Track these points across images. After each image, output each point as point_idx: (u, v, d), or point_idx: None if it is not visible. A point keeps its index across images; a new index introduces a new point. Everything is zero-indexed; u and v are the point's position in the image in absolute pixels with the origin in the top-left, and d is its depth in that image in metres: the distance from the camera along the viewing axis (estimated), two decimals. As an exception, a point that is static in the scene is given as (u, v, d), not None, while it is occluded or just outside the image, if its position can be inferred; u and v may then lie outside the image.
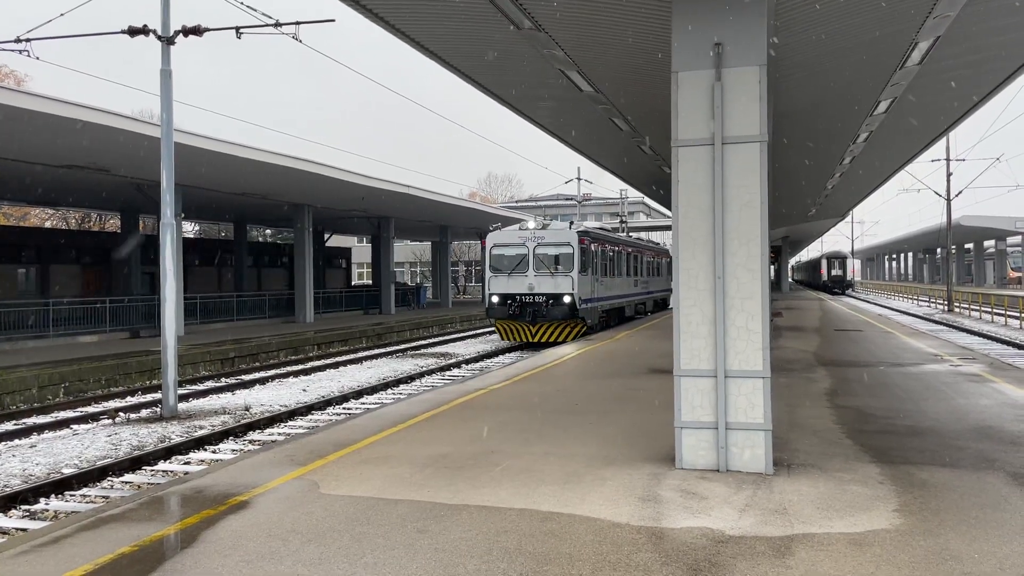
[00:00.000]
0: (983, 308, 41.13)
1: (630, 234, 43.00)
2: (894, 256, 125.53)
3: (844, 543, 5.53)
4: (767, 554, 5.34)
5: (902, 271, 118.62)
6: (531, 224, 25.48)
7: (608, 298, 28.72)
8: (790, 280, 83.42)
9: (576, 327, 24.98)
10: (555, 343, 24.54)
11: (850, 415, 10.26)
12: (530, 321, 24.65)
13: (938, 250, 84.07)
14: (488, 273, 25.32)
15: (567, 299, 24.27)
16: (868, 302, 62.01)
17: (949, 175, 45.05)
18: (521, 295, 24.70)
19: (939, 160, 45.23)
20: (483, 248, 25.83)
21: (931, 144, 23.10)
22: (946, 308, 46.76)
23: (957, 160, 44.92)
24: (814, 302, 45.66)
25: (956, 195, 45.76)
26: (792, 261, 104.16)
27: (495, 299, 25.06)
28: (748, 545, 5.51)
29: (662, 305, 43.66)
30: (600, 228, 30.72)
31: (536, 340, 25.08)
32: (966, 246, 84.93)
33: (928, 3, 9.78)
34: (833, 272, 77.13)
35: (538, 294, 24.54)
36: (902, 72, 13.03)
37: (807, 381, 13.40)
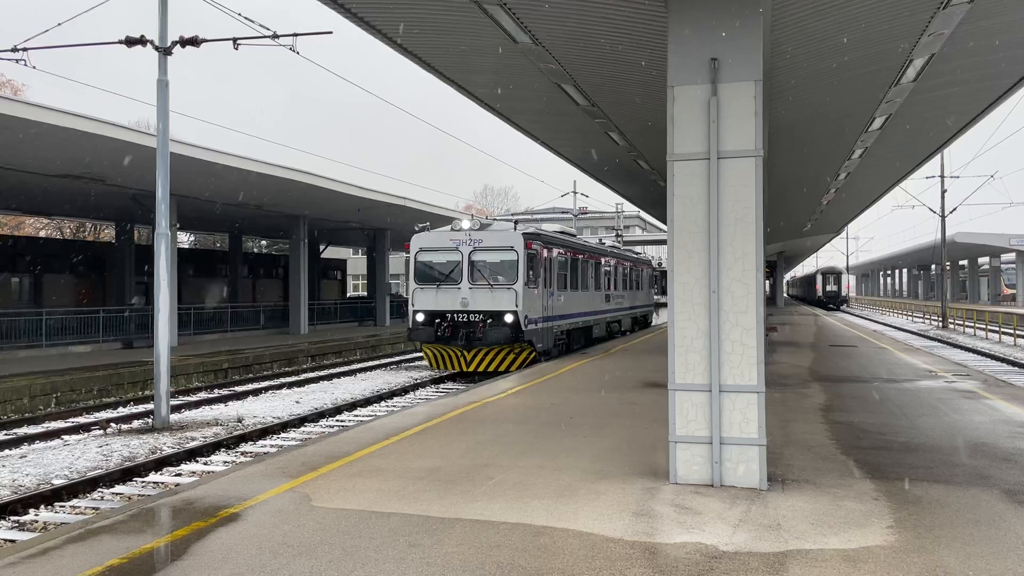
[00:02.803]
0: (977, 325, 41.22)
1: (603, 241, 35.60)
2: (889, 272, 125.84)
3: (838, 559, 5.50)
4: (761, 570, 5.31)
5: (897, 287, 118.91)
6: (466, 224, 20.33)
7: (568, 316, 23.78)
8: (785, 295, 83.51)
9: (523, 353, 20.06)
10: (496, 373, 19.62)
11: (845, 431, 10.24)
12: (464, 345, 19.67)
13: (933, 266, 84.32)
14: (412, 284, 20.48)
15: (509, 318, 19.33)
16: (863, 318, 62.11)
17: (944, 192, 45.25)
18: (453, 313, 19.79)
19: (934, 177, 45.52)
20: (407, 253, 21.20)
21: (926, 161, 23.23)
22: (940, 324, 46.85)
23: (952, 177, 45.15)
24: (809, 317, 45.71)
25: (951, 212, 45.97)
26: (787, 276, 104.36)
27: (420, 317, 20.09)
28: (742, 561, 5.48)
29: (643, 323, 38.66)
30: (562, 232, 25.02)
31: (472, 369, 20.10)
32: (961, 263, 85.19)
33: (923, 21, 9.85)
34: (828, 288, 77.30)
35: (474, 312, 19.65)
36: (897, 89, 13.10)
37: (802, 396, 13.38)
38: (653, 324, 41.54)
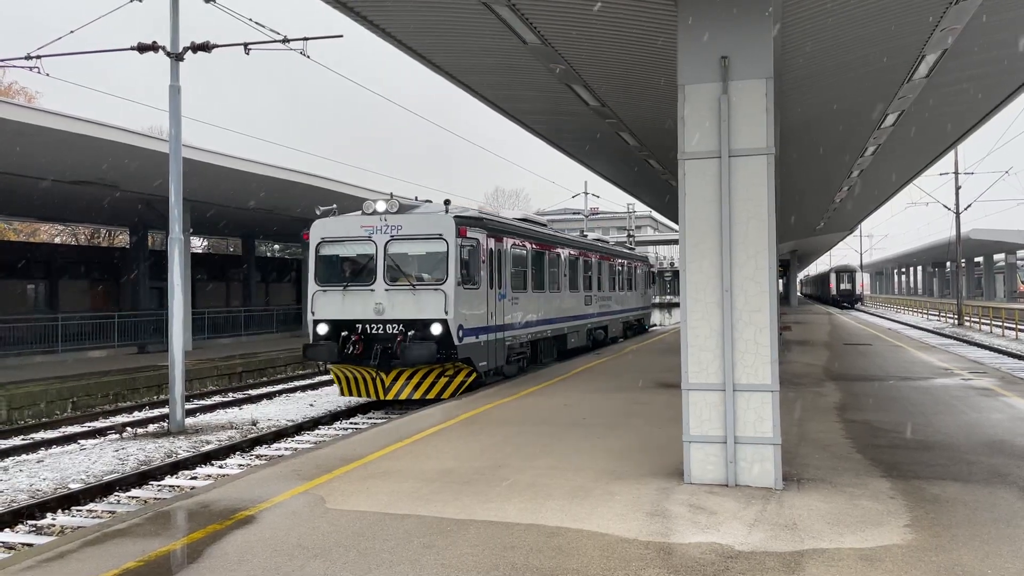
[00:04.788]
0: (993, 322, 40.90)
1: (585, 234, 29.69)
2: (903, 270, 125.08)
3: (855, 559, 5.46)
4: (777, 570, 5.28)
5: (912, 285, 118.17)
6: (381, 205, 15.49)
7: (531, 324, 18.98)
8: (799, 294, 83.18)
9: (458, 375, 15.41)
10: (424, 401, 15.28)
11: (860, 429, 10.17)
12: (379, 365, 14.80)
13: (948, 264, 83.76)
14: (312, 286, 15.65)
15: (436, 328, 14.64)
16: (877, 316, 61.75)
17: (958, 188, 44.96)
18: (365, 323, 15.07)
19: (948, 173, 45.22)
20: (308, 245, 16.22)
21: (939, 157, 23.07)
22: (956, 322, 46.51)
23: (966, 173, 44.88)
24: (823, 316, 45.48)
25: (965, 208, 45.65)
26: (801, 275, 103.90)
27: (322, 329, 15.34)
28: (758, 561, 5.45)
29: (638, 328, 33.74)
30: (523, 220, 20.53)
31: (392, 397, 15.43)
32: (976, 259, 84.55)
33: (935, 16, 9.78)
34: (842, 286, 76.89)
35: (391, 321, 14.93)
36: (909, 85, 13.02)
37: (816, 395, 13.31)
38: (656, 327, 40.36)
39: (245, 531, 6.33)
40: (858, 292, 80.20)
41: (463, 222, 15.34)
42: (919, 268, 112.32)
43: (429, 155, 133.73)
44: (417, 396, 15.25)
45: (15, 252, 34.06)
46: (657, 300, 58.82)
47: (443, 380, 15.31)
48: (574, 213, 70.62)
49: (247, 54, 15.69)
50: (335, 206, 16.46)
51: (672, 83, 7.89)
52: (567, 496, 7.14)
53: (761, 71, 7.31)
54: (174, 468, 11.64)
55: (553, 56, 11.24)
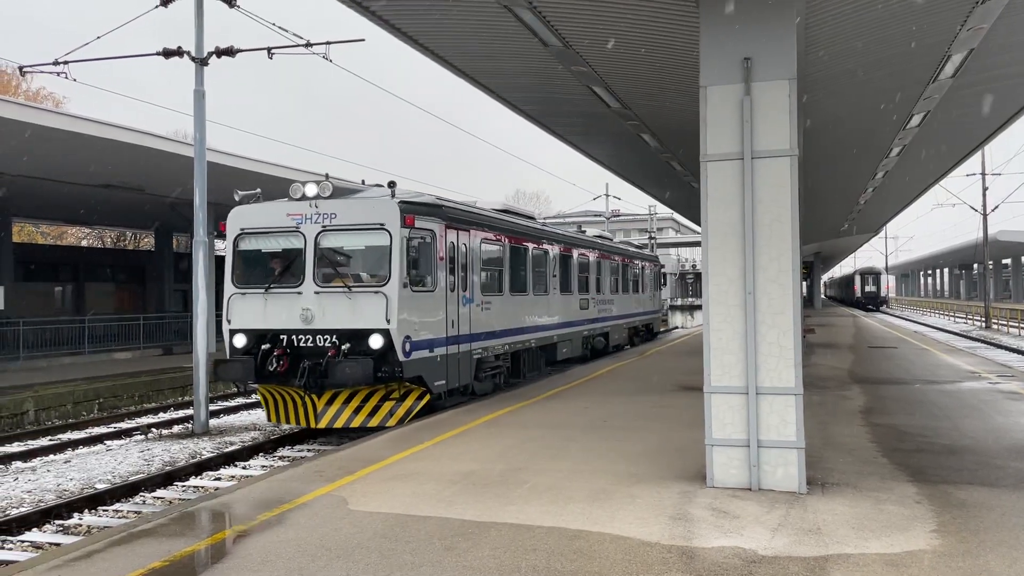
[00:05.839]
0: (1022, 325, 40.30)
1: (583, 229, 25.90)
2: (929, 272, 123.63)
3: (880, 564, 5.40)
4: (801, 575, 5.23)
5: (938, 287, 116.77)
6: (311, 189, 12.65)
7: (506, 333, 16.15)
8: (822, 296, 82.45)
9: (408, 398, 12.53)
10: (367, 430, 12.30)
11: (885, 433, 10.07)
12: (306, 386, 11.92)
13: (975, 266, 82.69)
14: (228, 288, 12.98)
15: (376, 341, 11.89)
16: (903, 319, 61.06)
17: (985, 189, 44.39)
18: (291, 334, 12.31)
19: (974, 174, 44.64)
20: (226, 239, 13.40)
21: (966, 158, 22.80)
22: (984, 325, 45.88)
23: (993, 174, 44.31)
24: (847, 319, 45.06)
25: (992, 210, 45.08)
26: (824, 277, 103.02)
27: (239, 341, 12.64)
28: (781, 566, 5.41)
29: (646, 335, 30.72)
30: (504, 211, 17.59)
31: (323, 425, 12.55)
32: (1004, 261, 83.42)
33: (961, 15, 9.67)
34: (867, 288, 76.12)
35: (322, 331, 12.21)
36: (935, 85, 12.88)
37: (841, 398, 13.18)
38: (678, 328, 39.58)
39: (268, 532, 6.37)
40: (883, 294, 79.35)
41: (411, 209, 12.48)
42: (945, 270, 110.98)
43: (449, 157, 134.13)
44: (355, 424, 12.39)
45: (43, 255, 34.58)
46: (679, 302, 58.54)
47: (388, 404, 12.43)
48: (596, 215, 70.50)
49: (270, 58, 15.82)
50: (259, 190, 13.69)
51: (694, 84, 7.86)
52: (588, 499, 7.13)
53: (785, 72, 7.27)
54: (198, 469, 11.74)
55: (574, 58, 11.23)
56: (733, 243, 7.39)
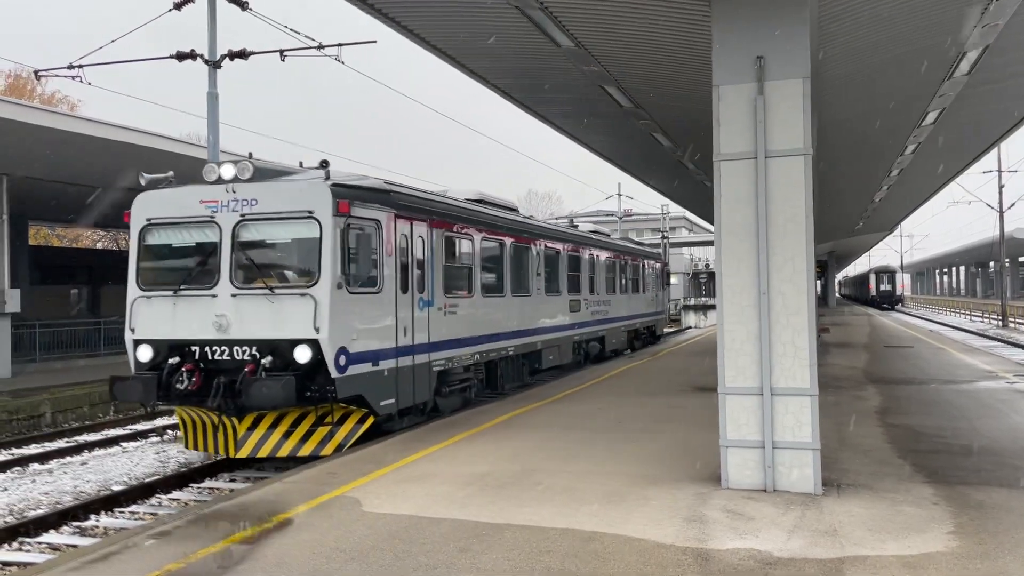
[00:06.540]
0: (1039, 323, 39.94)
1: (575, 223, 23.53)
2: (945, 270, 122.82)
3: (898, 566, 5.36)
4: (817, 577, 5.20)
5: (954, 285, 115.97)
6: (227, 171, 10.59)
7: (481, 341, 14.19)
8: (837, 295, 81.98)
9: (348, 421, 10.62)
10: (298, 459, 10.35)
11: (901, 434, 10.00)
12: (220, 408, 10.05)
13: (991, 264, 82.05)
14: (133, 290, 11.08)
15: (303, 353, 9.90)
16: (918, 317, 60.66)
17: (1001, 187, 44.07)
18: (203, 345, 10.31)
19: (991, 172, 44.29)
20: (130, 232, 11.50)
21: (982, 155, 22.63)
22: (1000, 323, 45.51)
23: (1009, 171, 44.01)
24: (862, 317, 44.80)
25: (1009, 207, 44.79)
26: (839, 276, 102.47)
27: (143, 354, 10.68)
28: (797, 568, 5.38)
29: (649, 337, 28.62)
30: (479, 202, 15.62)
31: (245, 455, 10.54)
32: (1020, 259, 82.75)
33: (976, 12, 9.59)
34: (882, 287, 75.62)
35: (240, 342, 10.18)
36: (950, 83, 12.78)
37: (856, 399, 13.11)
38: (691, 328, 39.18)
39: (283, 533, 6.39)
40: (898, 293, 78.81)
41: (347, 194, 10.42)
42: (961, 268, 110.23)
43: (460, 158, 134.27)
44: (283, 453, 10.42)
45: (59, 257, 34.86)
46: (692, 302, 58.39)
47: (324, 429, 10.41)
48: (608, 215, 70.42)
49: (283, 60, 15.89)
50: (171, 173, 11.62)
51: (707, 84, 7.84)
52: (602, 500, 7.11)
53: (798, 70, 7.23)
54: (213, 470, 11.79)
55: (586, 58, 11.21)
56: (747, 243, 7.36)
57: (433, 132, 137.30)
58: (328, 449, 10.39)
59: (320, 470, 8.73)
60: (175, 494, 10.72)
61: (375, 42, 15.50)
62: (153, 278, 11.06)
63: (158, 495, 10.62)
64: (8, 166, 19.58)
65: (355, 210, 10.42)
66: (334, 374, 9.95)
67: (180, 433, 11.52)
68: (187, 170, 11.57)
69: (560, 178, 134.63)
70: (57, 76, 16.66)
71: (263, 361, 9.91)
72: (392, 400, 11.20)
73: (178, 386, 10.14)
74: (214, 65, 14.89)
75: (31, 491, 10.93)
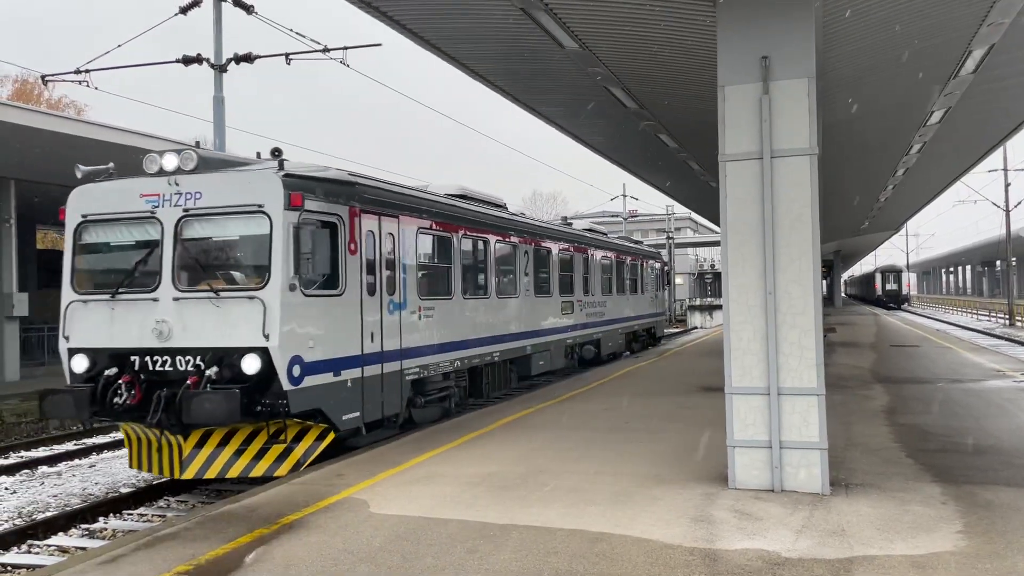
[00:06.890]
0: (1047, 322, 39.81)
1: (569, 221, 23.12)
2: (951, 269, 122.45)
3: (906, 566, 5.36)
4: (825, 577, 5.20)
5: (960, 285, 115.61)
6: (170, 161, 9.67)
7: (460, 346, 13.26)
8: (843, 295, 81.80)
9: (307, 438, 9.65)
10: (251, 480, 9.54)
11: (909, 433, 9.98)
12: (161, 424, 8.99)
13: (998, 263, 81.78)
14: (67, 293, 10.06)
15: (251, 364, 8.94)
16: (925, 317, 60.48)
17: (1007, 185, 43.94)
18: (143, 354, 9.37)
19: (997, 170, 44.18)
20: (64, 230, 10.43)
21: (988, 154, 22.56)
22: (1008, 322, 45.36)
23: (1016, 170, 43.90)
24: (868, 317, 44.70)
25: (1016, 206, 44.63)
26: (845, 275, 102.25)
27: (79, 364, 9.63)
28: (806, 568, 5.37)
29: (648, 339, 28.09)
30: (459, 197, 14.53)
31: (190, 476, 9.53)
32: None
33: (982, 10, 9.57)
34: (888, 286, 75.48)
35: (183, 350, 9.23)
36: (956, 81, 12.75)
37: (863, 398, 13.08)
38: (697, 328, 39.09)
39: (291, 535, 6.41)
40: (905, 292, 78.63)
41: (301, 186, 9.42)
42: (968, 267, 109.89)
43: (465, 160, 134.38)
44: (233, 474, 9.45)
45: (60, 262, 34.88)
46: (698, 302, 58.34)
47: (279, 447, 9.46)
48: (613, 216, 70.41)
49: (288, 64, 15.94)
50: (111, 164, 10.56)
51: (712, 84, 7.84)
52: (609, 501, 7.11)
53: (803, 70, 7.23)
54: (221, 473, 11.82)
55: (590, 60, 11.22)
56: (753, 243, 7.36)
57: (438, 134, 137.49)
58: (284, 468, 9.41)
59: (327, 471, 8.75)
60: (183, 495, 10.75)
61: (380, 45, 15.57)
62: (89, 280, 10.11)
63: (166, 497, 10.66)
64: (15, 170, 19.67)
65: (311, 203, 9.47)
66: (287, 386, 8.94)
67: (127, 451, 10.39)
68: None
69: (565, 179, 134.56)
70: (64, 81, 16.73)
71: (208, 372, 8.91)
72: (356, 414, 10.18)
73: (116, 400, 9.14)
74: (220, 70, 14.94)
75: (40, 493, 10.97)
